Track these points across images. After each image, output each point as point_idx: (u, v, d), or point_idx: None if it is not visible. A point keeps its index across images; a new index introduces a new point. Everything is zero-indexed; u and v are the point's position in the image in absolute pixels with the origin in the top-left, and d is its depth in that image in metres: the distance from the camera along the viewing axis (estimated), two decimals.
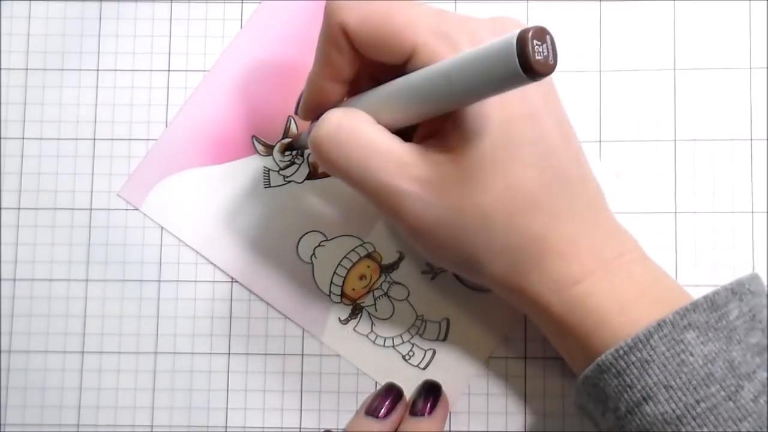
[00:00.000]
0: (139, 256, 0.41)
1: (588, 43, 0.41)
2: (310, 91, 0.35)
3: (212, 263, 0.41)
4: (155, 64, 0.42)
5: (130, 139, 0.41)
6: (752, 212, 0.40)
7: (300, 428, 0.40)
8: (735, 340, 0.31)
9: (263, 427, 0.40)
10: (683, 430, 0.30)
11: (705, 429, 0.30)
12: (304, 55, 0.41)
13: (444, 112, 0.32)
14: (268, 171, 0.41)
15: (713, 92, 0.40)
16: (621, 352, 0.31)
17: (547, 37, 0.27)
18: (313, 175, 0.41)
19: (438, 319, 0.40)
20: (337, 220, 0.41)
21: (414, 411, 0.38)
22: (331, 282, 0.40)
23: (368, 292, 0.40)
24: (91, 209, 0.41)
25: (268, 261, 0.41)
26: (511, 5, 0.41)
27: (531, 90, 0.31)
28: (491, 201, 0.32)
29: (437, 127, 0.33)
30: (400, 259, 0.41)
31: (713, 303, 0.31)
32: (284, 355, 0.40)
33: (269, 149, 0.41)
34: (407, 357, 0.40)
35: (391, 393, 0.39)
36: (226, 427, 0.40)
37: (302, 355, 0.40)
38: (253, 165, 0.41)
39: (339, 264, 0.40)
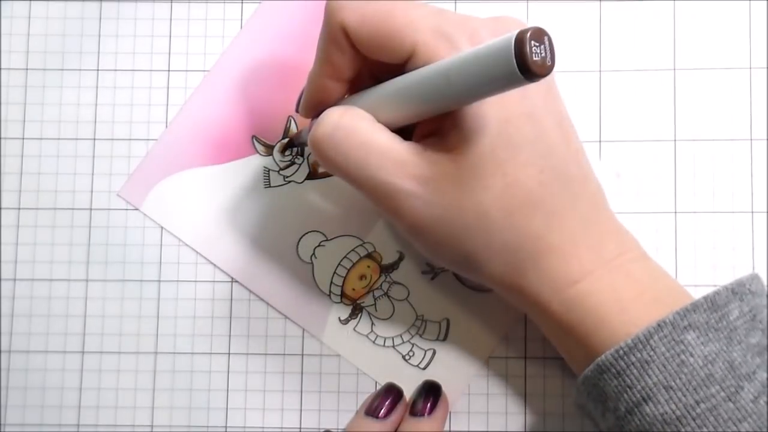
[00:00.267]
0: (139, 256, 0.41)
1: (588, 43, 0.41)
2: (311, 90, 0.35)
3: (212, 263, 0.41)
4: (155, 64, 0.42)
5: (130, 139, 0.41)
6: (752, 212, 0.40)
7: (300, 428, 0.40)
8: (735, 340, 0.31)
9: (263, 427, 0.40)
10: (683, 430, 0.30)
11: (705, 429, 0.30)
12: (304, 55, 0.41)
13: (443, 112, 0.32)
14: (268, 171, 0.41)
15: (713, 92, 0.40)
16: (621, 352, 0.31)
17: (545, 38, 0.27)
18: (313, 175, 0.41)
19: (438, 319, 0.40)
20: (337, 220, 0.41)
21: (414, 411, 0.38)
22: (331, 282, 0.40)
23: (368, 292, 0.40)
24: (91, 209, 0.41)
25: (268, 261, 0.41)
26: (511, 5, 0.41)
27: (531, 89, 0.31)
28: (490, 200, 0.32)
29: (437, 126, 0.33)
30: (400, 259, 0.41)
31: (714, 303, 0.31)
32: (284, 355, 0.40)
33: (269, 149, 0.41)
34: (407, 357, 0.40)
35: (391, 393, 0.39)
36: (226, 427, 0.40)
37: (302, 355, 0.40)
38: (253, 165, 0.41)
39: (339, 264, 0.40)
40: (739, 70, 0.40)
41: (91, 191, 0.41)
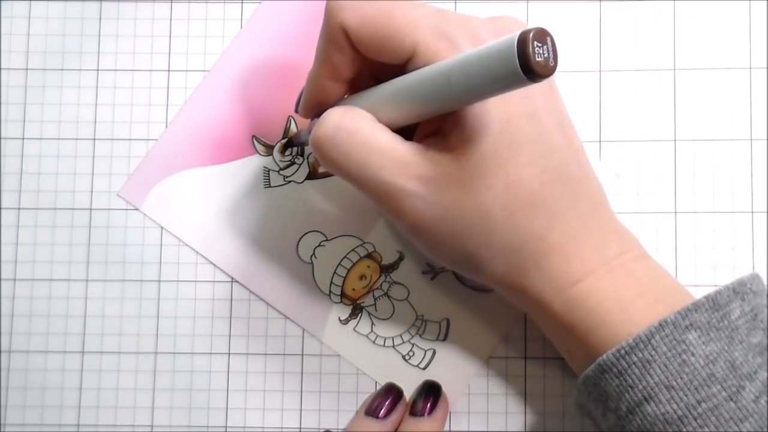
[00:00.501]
0: (139, 256, 0.41)
1: (588, 43, 0.41)
2: (311, 90, 0.35)
3: (212, 263, 0.41)
4: (155, 64, 0.42)
5: (130, 139, 0.41)
6: (752, 212, 0.40)
7: (300, 428, 0.40)
8: (737, 340, 0.31)
9: (263, 427, 0.40)
10: (684, 430, 0.30)
11: (706, 429, 0.30)
12: (304, 55, 0.41)
13: (444, 112, 0.32)
14: (268, 171, 0.41)
15: (713, 92, 0.40)
16: (622, 352, 0.31)
17: (548, 38, 0.27)
18: (313, 175, 0.41)
19: (438, 319, 0.40)
20: (337, 220, 0.41)
21: (414, 411, 0.38)
22: (331, 282, 0.40)
23: (368, 292, 0.40)
24: (91, 209, 0.41)
25: (268, 261, 0.41)
26: (511, 5, 0.41)
27: (532, 89, 0.31)
28: (492, 199, 0.32)
29: (438, 126, 0.33)
30: (400, 259, 0.41)
31: (715, 303, 0.31)
32: (284, 355, 0.40)
33: (269, 149, 0.41)
34: (407, 357, 0.40)
35: (391, 393, 0.39)
36: (226, 427, 0.40)
37: (302, 355, 0.40)
38: (253, 165, 0.41)
39: (339, 264, 0.40)
40: (739, 70, 0.40)
41: (91, 191, 0.41)
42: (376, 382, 0.40)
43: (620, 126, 0.40)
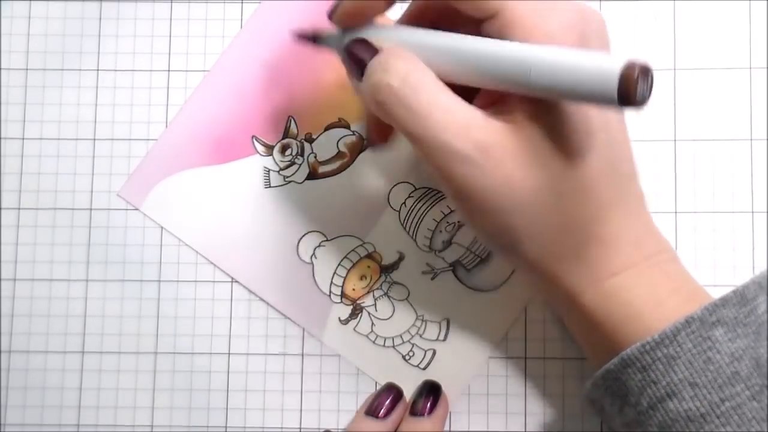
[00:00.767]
0: (139, 256, 0.41)
1: None
2: None
3: (212, 263, 0.41)
4: (155, 64, 0.42)
5: (130, 139, 0.41)
6: (752, 212, 0.40)
7: (300, 428, 0.40)
8: (763, 335, 0.31)
9: (263, 427, 0.40)
10: (706, 428, 0.30)
11: (728, 428, 0.29)
12: (304, 55, 0.41)
13: (509, 93, 0.31)
14: (268, 171, 0.41)
15: (713, 92, 0.40)
16: (648, 347, 0.31)
17: (650, 75, 0.27)
18: (313, 175, 0.41)
19: (438, 319, 0.40)
20: (337, 220, 0.41)
21: (414, 411, 0.38)
22: (331, 282, 0.40)
23: (368, 292, 0.40)
24: (91, 209, 0.41)
25: (268, 261, 0.41)
26: None
27: None
28: (545, 179, 0.31)
29: (503, 96, 0.32)
30: (400, 259, 0.41)
31: (743, 297, 0.31)
32: (284, 355, 0.40)
33: (269, 149, 0.41)
34: (407, 357, 0.40)
35: (391, 393, 0.39)
36: (226, 427, 0.40)
37: (302, 355, 0.40)
38: (253, 165, 0.41)
39: (339, 264, 0.40)
40: (739, 70, 0.40)
41: (91, 191, 0.41)
42: (376, 382, 0.40)
43: None
